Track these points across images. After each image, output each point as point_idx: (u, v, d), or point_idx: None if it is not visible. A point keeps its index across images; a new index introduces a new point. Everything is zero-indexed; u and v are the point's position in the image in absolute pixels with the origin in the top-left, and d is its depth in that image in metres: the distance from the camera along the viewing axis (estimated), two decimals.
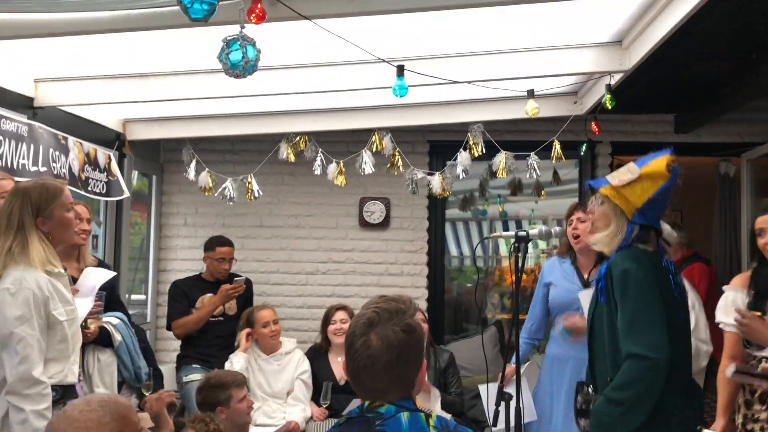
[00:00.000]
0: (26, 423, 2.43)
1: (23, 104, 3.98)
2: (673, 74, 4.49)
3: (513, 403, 2.96)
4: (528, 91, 4.31)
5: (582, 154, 5.31)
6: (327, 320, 4.70)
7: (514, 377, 3.97)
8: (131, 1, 2.72)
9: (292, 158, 5.12)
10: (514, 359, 3.92)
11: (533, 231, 3.03)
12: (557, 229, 3.24)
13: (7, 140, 3.58)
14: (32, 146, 3.79)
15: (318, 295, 5.72)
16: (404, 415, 1.67)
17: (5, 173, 3.22)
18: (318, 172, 5.12)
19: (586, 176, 5.70)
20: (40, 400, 2.47)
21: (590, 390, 2.47)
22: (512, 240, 3.03)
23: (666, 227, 2.89)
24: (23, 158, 3.72)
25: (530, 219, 8.33)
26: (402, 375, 1.70)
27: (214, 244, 4.86)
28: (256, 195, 5.20)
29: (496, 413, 3.05)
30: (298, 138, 5.11)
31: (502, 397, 3.04)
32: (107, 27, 2.92)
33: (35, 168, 3.81)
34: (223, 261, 4.82)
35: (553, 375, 3.77)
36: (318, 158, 5.12)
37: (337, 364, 4.61)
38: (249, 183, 5.17)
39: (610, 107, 4.00)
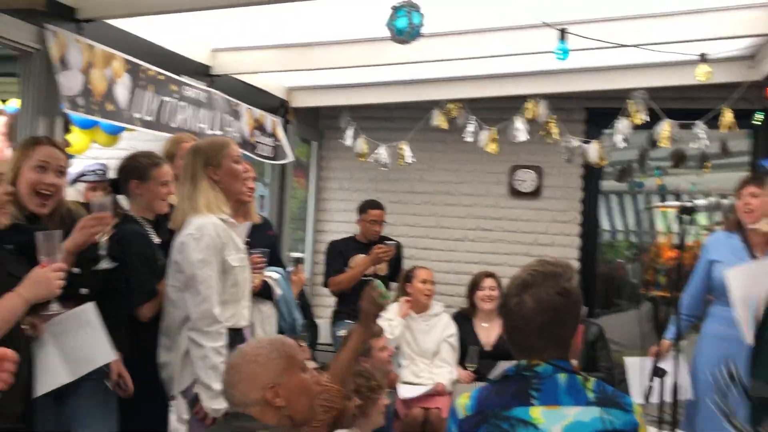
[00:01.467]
0: (206, 358, 2.61)
1: (202, 72, 4.32)
2: None
3: (668, 379, 2.86)
4: (700, 55, 4.04)
5: (757, 123, 4.91)
6: (475, 286, 4.74)
7: (669, 353, 3.83)
8: None
9: (445, 125, 5.17)
10: (669, 334, 3.78)
11: (700, 202, 2.89)
12: (725, 201, 3.06)
13: (188, 106, 3.92)
14: (209, 111, 4.13)
15: (466, 261, 5.77)
16: (561, 376, 1.68)
17: (190, 135, 3.52)
18: (470, 139, 5.14)
19: (761, 149, 5.26)
20: (218, 337, 2.63)
21: (735, 366, 2.30)
22: (676, 211, 2.90)
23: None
24: (202, 122, 4.07)
25: (691, 193, 7.84)
26: (557, 336, 1.71)
27: (366, 207, 5.03)
28: (408, 161, 5.32)
29: (650, 388, 2.97)
30: (451, 105, 5.15)
31: (656, 372, 2.95)
32: None
33: (211, 132, 4.15)
34: (374, 223, 4.98)
35: (711, 354, 3.58)
36: (470, 125, 5.13)
37: (483, 329, 4.66)
38: (401, 149, 5.30)
39: None
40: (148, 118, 3.61)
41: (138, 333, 2.83)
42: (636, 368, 3.54)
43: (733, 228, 3.61)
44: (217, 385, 2.55)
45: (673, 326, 3.80)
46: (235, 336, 2.74)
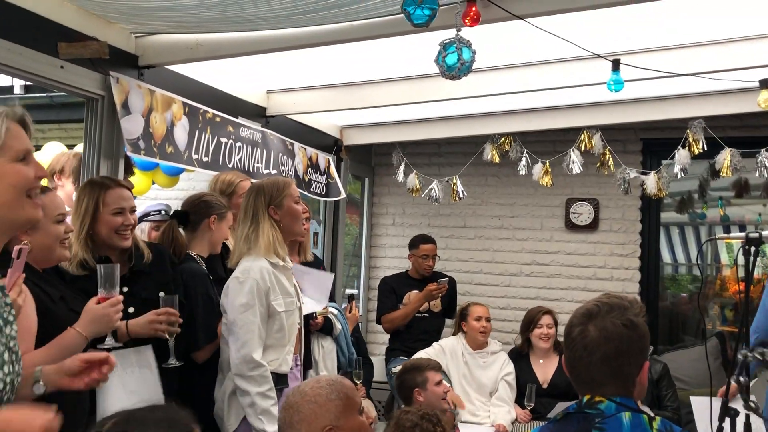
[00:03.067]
0: (254, 405, 2.63)
1: (257, 113, 4.43)
2: None
3: (740, 420, 2.71)
4: (761, 81, 3.93)
5: None
6: (531, 323, 4.64)
7: (739, 395, 3.65)
8: (354, 14, 2.93)
9: (497, 159, 5.15)
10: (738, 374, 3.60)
11: (767, 233, 2.76)
12: None
13: (244, 146, 4.01)
14: (264, 151, 4.22)
15: (521, 297, 5.68)
16: (626, 415, 1.63)
17: (245, 175, 3.60)
18: (523, 172, 5.10)
19: None
20: (263, 381, 2.65)
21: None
22: (741, 242, 2.78)
23: None
24: (257, 162, 4.15)
25: (757, 224, 7.55)
26: (620, 369, 1.66)
27: (418, 242, 5.03)
28: (461, 196, 5.30)
29: (720, 429, 2.83)
30: (503, 139, 5.13)
31: (727, 412, 2.81)
32: (332, 38, 3.16)
33: (267, 171, 4.23)
34: (426, 258, 4.96)
35: None
36: (523, 158, 5.09)
37: (539, 366, 4.55)
38: (454, 184, 5.29)
39: None
40: (206, 159, 3.70)
41: (197, 366, 2.87)
42: (703, 408, 3.38)
43: None
44: (272, 428, 2.57)
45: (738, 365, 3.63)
46: (278, 380, 2.75)
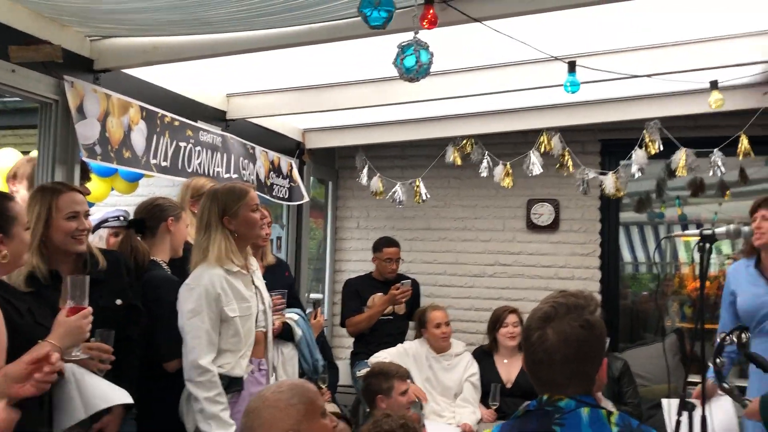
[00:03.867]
0: (203, 411, 2.64)
1: (217, 117, 4.39)
2: None
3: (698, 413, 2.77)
4: (711, 83, 4.04)
5: None
6: (497, 322, 4.67)
7: (715, 396, 3.71)
8: (314, 16, 2.92)
9: (459, 161, 5.20)
10: (710, 373, 3.67)
11: (720, 230, 2.83)
12: (746, 228, 2.99)
13: (204, 150, 3.97)
14: (225, 155, 4.18)
15: (485, 297, 5.72)
16: (584, 411, 1.64)
17: (212, 180, 3.57)
18: (484, 174, 5.15)
19: None
20: (211, 386, 2.66)
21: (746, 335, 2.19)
22: (697, 240, 2.85)
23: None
24: (218, 166, 4.11)
25: (713, 222, 7.73)
26: (581, 369, 1.68)
27: (381, 245, 5.02)
28: (424, 198, 5.33)
29: (678, 423, 2.89)
30: (464, 141, 5.18)
31: (684, 406, 2.87)
32: (292, 41, 3.15)
33: (228, 175, 4.19)
34: (390, 261, 4.96)
35: (756, 392, 3.44)
36: (484, 160, 5.14)
37: (504, 366, 4.59)
38: (417, 186, 5.32)
39: None
40: (165, 164, 3.65)
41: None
42: (669, 408, 3.45)
43: (750, 253, 3.55)
44: None
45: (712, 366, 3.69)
46: (231, 383, 2.76)
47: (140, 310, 2.74)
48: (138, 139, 3.45)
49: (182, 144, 3.79)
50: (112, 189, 4.57)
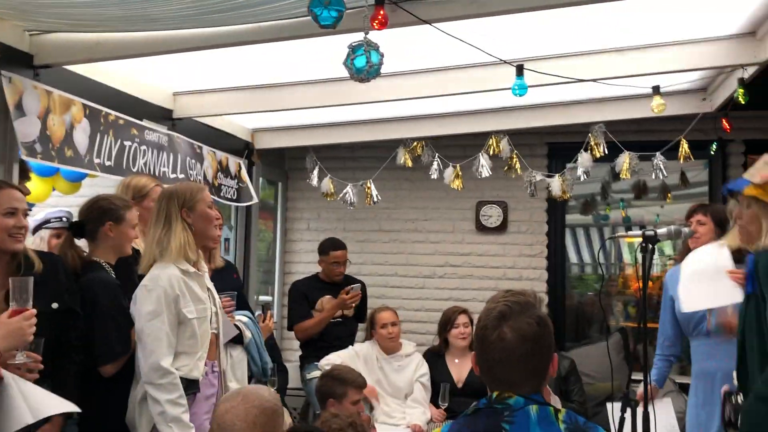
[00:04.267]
0: (164, 414, 2.60)
1: (163, 116, 4.30)
2: None
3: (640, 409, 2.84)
4: (653, 88, 4.15)
5: (712, 153, 5.04)
6: (449, 323, 4.69)
7: (657, 397, 3.81)
8: (263, 15, 2.89)
9: (410, 163, 5.22)
10: (652, 376, 3.77)
11: (662, 231, 2.91)
12: (686, 230, 3.09)
13: (150, 149, 3.89)
14: (171, 155, 4.09)
15: (435, 298, 5.76)
16: (533, 408, 1.66)
17: (157, 180, 3.48)
18: (435, 176, 5.19)
19: (717, 177, 5.41)
20: (173, 389, 2.62)
21: (740, 399, 2.24)
22: (639, 240, 2.92)
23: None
24: (164, 166, 4.03)
25: (656, 224, 7.96)
26: (536, 367, 1.69)
27: (327, 248, 4.92)
28: (375, 200, 5.33)
29: (622, 420, 2.96)
30: (415, 143, 5.20)
31: (627, 403, 2.94)
32: (240, 39, 3.11)
33: (174, 175, 4.11)
34: (337, 264, 4.88)
35: (702, 392, 3.55)
36: (435, 163, 5.18)
37: (455, 365, 4.63)
38: (368, 188, 5.32)
39: (743, 102, 3.79)
40: (109, 163, 3.56)
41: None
42: (612, 411, 3.52)
43: (684, 258, 3.64)
44: None
45: (654, 368, 3.79)
46: (189, 386, 2.73)
47: (78, 314, 2.66)
48: (81, 137, 3.34)
49: (127, 143, 3.69)
50: (54, 189, 4.43)
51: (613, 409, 3.28)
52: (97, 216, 2.91)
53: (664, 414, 3.75)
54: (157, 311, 2.66)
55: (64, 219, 4.19)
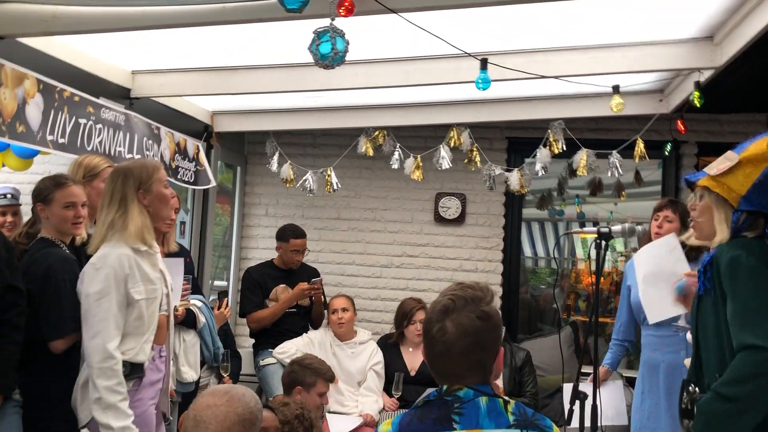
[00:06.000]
0: (101, 400, 2.52)
1: (121, 95, 4.19)
2: (766, 71, 4.30)
3: (589, 402, 2.91)
4: (613, 87, 4.23)
5: (666, 154, 5.17)
6: (406, 318, 4.68)
7: (609, 379, 3.92)
8: None
9: (371, 152, 5.21)
10: (606, 359, 3.89)
11: (616, 228, 2.97)
12: (640, 228, 3.16)
13: (106, 128, 3.79)
14: (128, 135, 4.00)
15: (392, 288, 5.78)
16: (483, 400, 1.69)
17: (110, 161, 3.40)
18: (396, 166, 5.19)
19: (670, 177, 5.54)
20: (112, 375, 2.54)
21: (696, 389, 2.24)
22: (594, 236, 2.97)
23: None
24: (120, 146, 3.93)
25: (609, 221, 8.12)
26: (479, 360, 1.72)
27: (288, 235, 4.81)
28: (335, 188, 5.32)
29: (571, 412, 3.02)
30: (377, 132, 5.20)
31: (577, 395, 3.00)
32: (203, 20, 3.04)
33: (130, 155, 4.02)
34: (296, 252, 4.78)
35: (647, 381, 3.66)
36: (396, 153, 5.19)
37: (409, 354, 4.66)
38: (328, 176, 5.29)
39: (698, 105, 3.89)
40: (62, 141, 3.46)
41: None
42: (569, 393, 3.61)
43: None
44: (117, 423, 2.50)
45: (609, 352, 3.92)
46: (133, 369, 2.67)
47: (21, 292, 2.59)
48: (33, 113, 3.24)
49: (82, 121, 3.59)
50: (3, 165, 4.30)
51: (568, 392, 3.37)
52: (32, 198, 2.89)
53: (613, 396, 3.87)
54: (104, 291, 2.58)
55: (9, 196, 4.08)
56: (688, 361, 2.56)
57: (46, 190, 2.86)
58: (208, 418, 2.01)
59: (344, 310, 4.63)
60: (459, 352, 1.70)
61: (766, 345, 1.98)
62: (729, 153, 2.24)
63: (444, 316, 1.73)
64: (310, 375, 3.59)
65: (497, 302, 5.46)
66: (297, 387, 3.55)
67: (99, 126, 3.73)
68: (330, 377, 3.69)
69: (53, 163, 5.07)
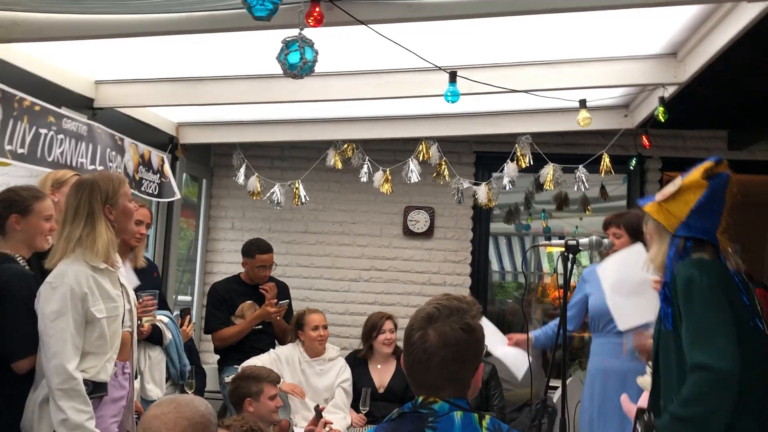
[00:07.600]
0: (68, 421, 2.45)
1: (84, 105, 4.11)
2: (727, 89, 4.40)
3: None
4: (580, 101, 4.27)
5: (631, 168, 5.24)
6: (375, 329, 4.63)
7: (526, 342, 3.91)
8: (192, 4, 2.79)
9: (339, 165, 5.18)
10: (534, 332, 3.98)
11: (583, 241, 2.99)
12: (607, 241, 3.19)
13: (67, 139, 3.70)
14: (91, 145, 3.91)
15: (360, 302, 5.74)
16: (457, 414, 1.66)
17: (76, 172, 3.31)
18: (364, 179, 5.17)
19: (635, 192, 5.62)
20: (75, 395, 2.48)
21: (651, 416, 2.22)
22: (561, 250, 2.99)
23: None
24: (82, 157, 3.84)
25: (574, 236, 8.20)
26: (457, 373, 1.69)
27: (253, 251, 4.68)
28: (303, 201, 5.26)
29: (539, 425, 3.02)
30: (345, 145, 5.17)
31: (545, 410, 3.00)
32: (169, 28, 2.99)
33: (93, 167, 3.92)
34: (262, 268, 4.67)
35: (597, 389, 3.69)
36: (365, 166, 5.16)
37: (377, 371, 4.60)
38: (296, 189, 5.24)
39: (663, 120, 3.95)
40: (21, 151, 3.36)
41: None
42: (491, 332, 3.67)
43: None
44: None
45: (541, 329, 4.03)
46: (96, 388, 2.61)
47: None
48: None
49: (42, 131, 3.50)
50: None
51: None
52: (3, 208, 2.75)
53: (519, 356, 3.87)
54: (61, 311, 2.51)
55: None
56: (642, 379, 2.58)
57: (24, 201, 2.75)
58: (157, 427, 1.93)
59: (325, 327, 4.56)
60: (438, 362, 1.67)
61: (715, 364, 2.01)
62: (677, 179, 2.28)
63: (427, 324, 1.70)
64: (254, 383, 3.51)
65: (481, 319, 5.42)
66: (246, 399, 3.48)
67: (60, 136, 3.64)
68: (274, 378, 3.61)
69: (12, 174, 4.91)
